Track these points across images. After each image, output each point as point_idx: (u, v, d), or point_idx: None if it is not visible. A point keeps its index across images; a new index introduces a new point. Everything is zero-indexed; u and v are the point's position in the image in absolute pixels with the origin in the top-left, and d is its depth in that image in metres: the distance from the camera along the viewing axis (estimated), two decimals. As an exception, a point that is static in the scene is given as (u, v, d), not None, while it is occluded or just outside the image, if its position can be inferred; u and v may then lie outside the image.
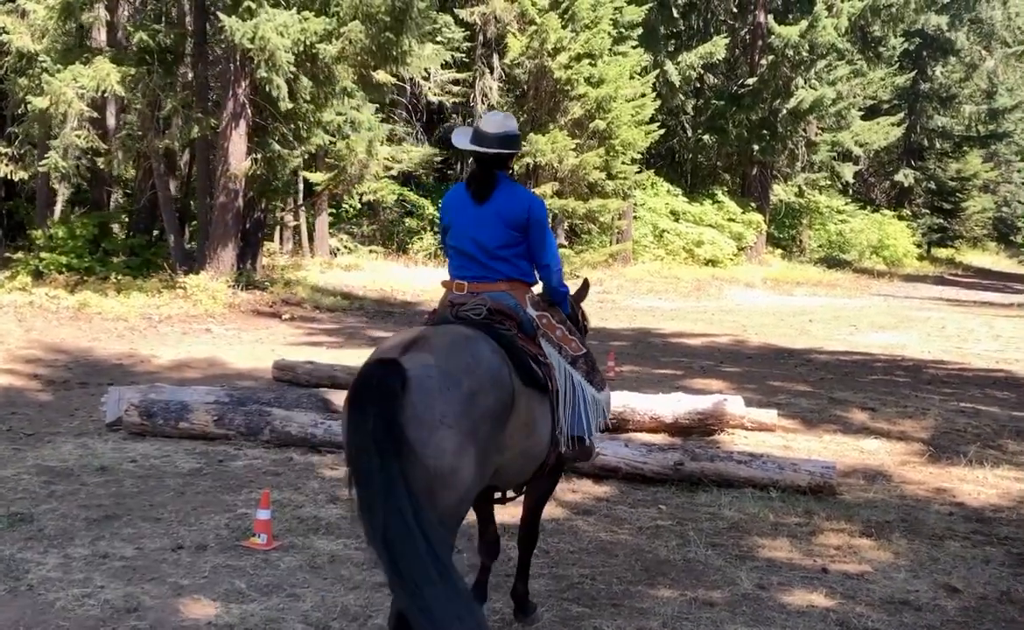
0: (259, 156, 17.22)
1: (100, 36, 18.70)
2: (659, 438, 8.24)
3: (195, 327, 14.19)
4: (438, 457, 3.31)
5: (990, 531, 6.09)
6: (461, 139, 4.26)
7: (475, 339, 3.70)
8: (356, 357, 11.63)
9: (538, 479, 4.25)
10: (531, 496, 4.41)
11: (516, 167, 23.36)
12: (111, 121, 18.45)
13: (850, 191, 41.58)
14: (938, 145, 45.10)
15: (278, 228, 24.43)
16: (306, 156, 20.16)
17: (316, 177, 20.83)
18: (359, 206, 27.05)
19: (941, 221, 46.45)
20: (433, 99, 25.85)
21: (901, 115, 38.59)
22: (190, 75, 18.07)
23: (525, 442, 3.84)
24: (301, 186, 23.21)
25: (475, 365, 3.55)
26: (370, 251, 25.34)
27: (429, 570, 3.08)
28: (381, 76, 19.19)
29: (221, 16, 15.32)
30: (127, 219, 21.19)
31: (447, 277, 4.32)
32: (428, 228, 26.80)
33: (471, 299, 4.09)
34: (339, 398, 8.30)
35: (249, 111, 16.93)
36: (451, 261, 4.28)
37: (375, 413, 3.22)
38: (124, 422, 7.69)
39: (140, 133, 17.44)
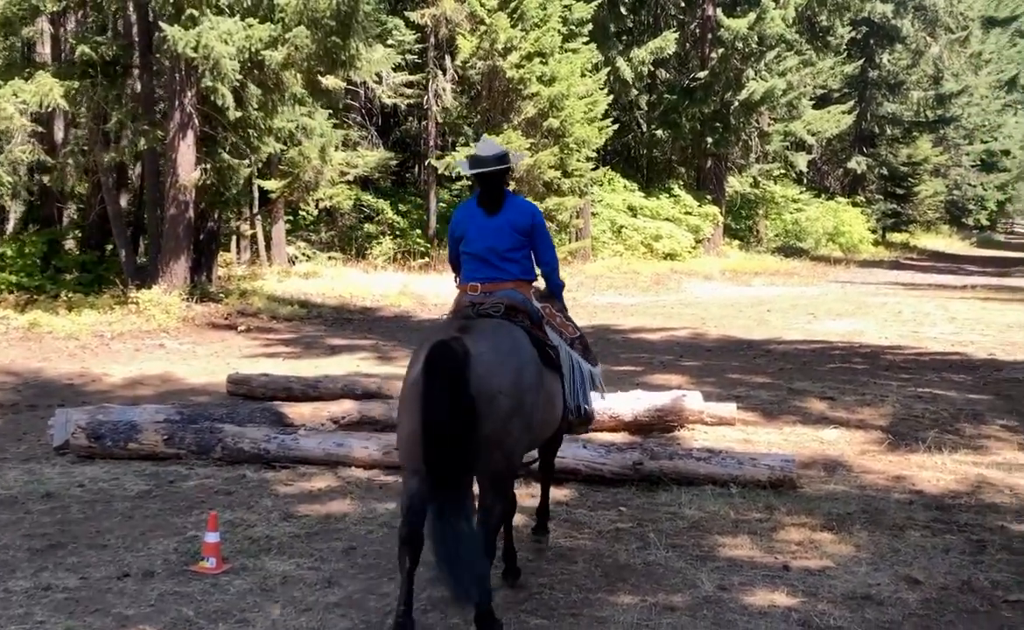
0: (209, 166, 16.95)
1: (45, 50, 18.33)
2: (619, 437, 8.18)
3: (148, 343, 13.93)
4: (496, 420, 4.12)
5: (949, 519, 6.08)
6: (466, 167, 5.09)
7: (510, 328, 4.53)
8: (314, 367, 11.50)
9: (550, 442, 5.33)
10: (545, 456, 5.52)
11: (462, 170, 23.25)
12: (59, 135, 18.08)
13: (804, 180, 41.92)
14: (888, 131, 45.61)
15: (234, 238, 24.13)
16: (259, 164, 19.91)
17: (270, 185, 20.58)
18: (316, 213, 26.80)
19: (894, 206, 46.98)
20: (387, 102, 25.66)
21: (851, 103, 38.97)
22: (137, 87, 17.77)
23: (547, 411, 4.67)
24: (256, 194, 22.94)
25: (517, 348, 4.40)
26: (329, 257, 25.10)
27: (464, 505, 3.99)
28: (331, 81, 18.97)
29: (163, 25, 15.04)
30: (80, 235, 20.81)
31: (456, 281, 5.11)
32: (387, 232, 26.62)
33: (488, 298, 4.78)
34: (293, 411, 8.17)
35: (197, 121, 16.67)
36: (465, 266, 4.98)
37: (448, 382, 3.97)
38: (72, 445, 7.48)
39: (87, 147, 17.12)
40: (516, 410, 4.21)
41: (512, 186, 23.02)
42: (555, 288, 5.39)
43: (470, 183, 26.65)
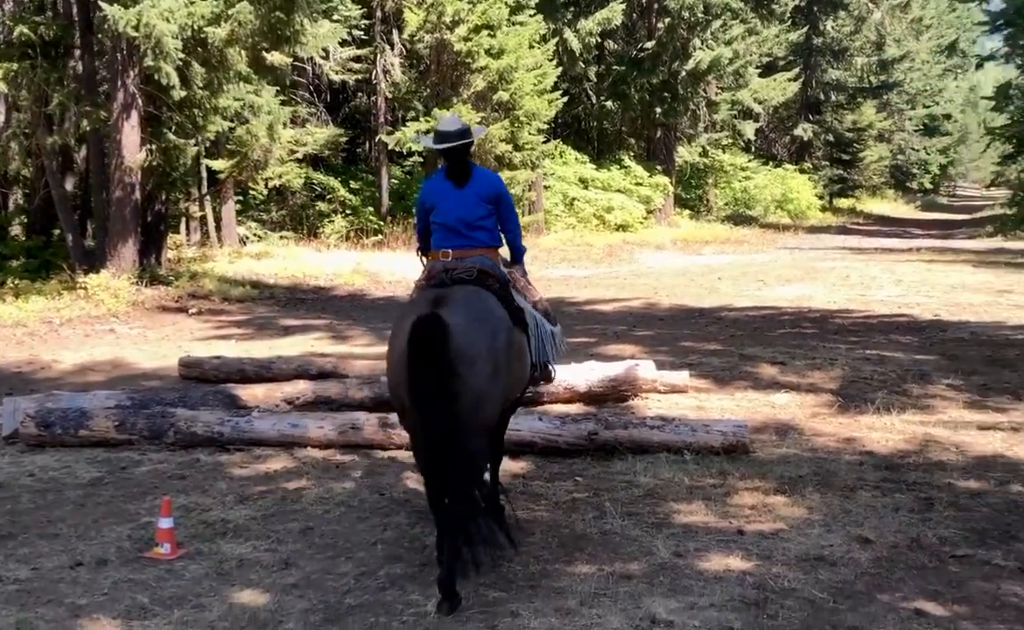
0: (155, 147, 16.67)
1: (-18, 32, 17.89)
2: (574, 408, 8.23)
3: (98, 328, 13.71)
4: (479, 382, 4.47)
5: (899, 478, 6.20)
6: (428, 141, 5.41)
7: (482, 294, 4.85)
8: (267, 348, 11.40)
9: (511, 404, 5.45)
10: (507, 414, 5.58)
11: (420, 147, 23.16)
12: (0, 119, 17.67)
13: (752, 148, 42.26)
14: (833, 98, 46.13)
15: (183, 219, 23.77)
16: (206, 144, 19.60)
17: (219, 165, 20.30)
18: (266, 192, 26.46)
19: (841, 172, 47.61)
20: (335, 78, 25.38)
21: (797, 70, 39.29)
22: (79, 68, 17.39)
23: (518, 368, 4.99)
24: (204, 175, 22.61)
25: (488, 313, 4.74)
26: (280, 237, 24.86)
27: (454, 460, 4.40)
28: (277, 58, 18.70)
29: (103, 4, 14.72)
30: (25, 220, 20.38)
31: (428, 250, 5.36)
32: (339, 210, 26.40)
33: (460, 264, 5.06)
34: (246, 393, 8.10)
35: (141, 101, 16.36)
36: (436, 235, 5.26)
37: (431, 355, 4.31)
38: (21, 434, 7.35)
39: (29, 130, 16.74)
40: (494, 371, 4.59)
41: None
42: (518, 254, 5.66)
43: (423, 159, 26.52)
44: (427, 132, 5.13)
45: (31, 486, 6.32)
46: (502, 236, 5.44)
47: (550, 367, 5.54)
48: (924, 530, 5.26)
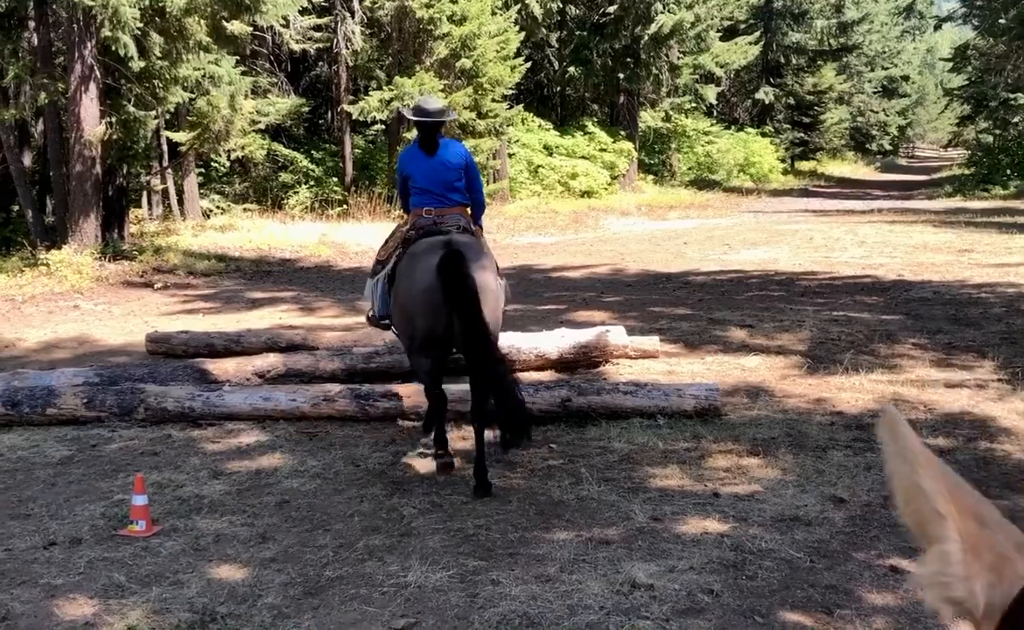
0: (114, 119, 16.40)
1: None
2: (546, 376, 8.24)
3: (62, 305, 13.50)
4: (494, 287, 5.74)
5: (870, 437, 6.27)
6: (409, 114, 6.36)
7: (478, 244, 5.99)
8: (235, 322, 11.31)
9: None
10: None
11: (388, 113, 22.96)
12: (-47, 94, 17.30)
13: (714, 113, 42.35)
14: (794, 61, 46.30)
15: (145, 193, 23.44)
16: (166, 116, 19.32)
17: (179, 136, 19.97)
18: (228, 164, 26.15)
19: (802, 135, 47.89)
20: (295, 47, 25.05)
21: (758, 34, 39.35)
22: (34, 40, 17.03)
23: (503, 302, 6.00)
24: (165, 147, 22.28)
25: (484, 245, 6.10)
26: (244, 209, 24.58)
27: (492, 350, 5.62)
28: (237, 27, 18.42)
29: (57, -26, 14.43)
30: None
31: (409, 209, 6.29)
32: (303, 182, 26.15)
33: (440, 219, 6.01)
34: (217, 367, 8.03)
35: (99, 73, 16.07)
36: (414, 197, 6.17)
37: (460, 271, 5.42)
38: (-14, 414, 7.25)
39: (-18, 104, 16.41)
40: (499, 278, 5.92)
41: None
42: (480, 213, 6.54)
43: (385, 127, 26.29)
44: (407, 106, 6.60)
45: (0, 467, 6.23)
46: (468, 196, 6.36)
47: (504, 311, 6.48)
48: (896, 488, 5.32)
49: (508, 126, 26.90)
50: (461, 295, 5.41)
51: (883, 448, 0.80)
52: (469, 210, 6.34)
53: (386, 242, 6.58)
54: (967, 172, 38.42)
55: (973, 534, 0.77)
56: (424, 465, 6.01)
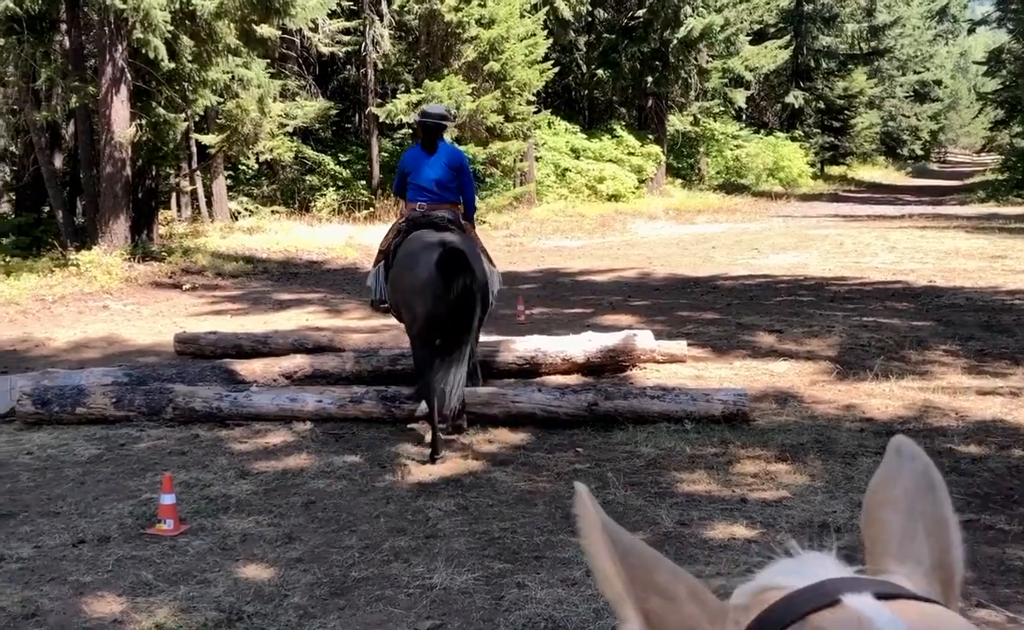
0: (144, 121, 16.53)
1: (-35, 7, 17.67)
2: (572, 379, 8.21)
3: (92, 305, 13.63)
4: (487, 274, 6.48)
5: (899, 444, 6.19)
6: (417, 117, 7.15)
7: (469, 240, 6.58)
8: (262, 323, 11.36)
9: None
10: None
11: (411, 119, 22.99)
12: (-13, 96, 17.55)
13: (743, 116, 42.11)
14: (824, 65, 45.91)
15: (174, 195, 23.62)
16: (195, 118, 19.45)
17: (209, 139, 20.11)
18: (257, 166, 26.30)
19: (832, 139, 47.47)
20: (324, 51, 25.17)
21: (788, 38, 39.08)
22: (66, 42, 17.21)
23: (491, 293, 6.73)
24: (194, 149, 22.44)
25: (475, 239, 6.89)
26: (272, 211, 24.70)
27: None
28: (266, 30, 18.54)
29: (89, -23, 14.57)
30: (15, 197, 20.23)
31: (405, 203, 7.02)
32: (330, 184, 26.25)
33: (431, 213, 6.67)
34: (244, 368, 8.07)
35: (129, 75, 16.21)
36: (410, 192, 6.88)
37: (461, 266, 5.96)
38: (18, 412, 7.30)
39: (17, 107, 16.59)
40: (486, 293, 6.43)
41: (455, 133, 22.82)
42: (471, 211, 7.20)
43: (412, 130, 26.34)
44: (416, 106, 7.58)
45: (30, 464, 6.29)
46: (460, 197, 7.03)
47: (492, 301, 6.94)
48: (927, 495, 5.25)
49: (535, 129, 26.88)
50: (458, 293, 5.97)
51: (579, 528, 0.77)
52: (460, 208, 6.98)
53: (386, 234, 7.26)
54: (1000, 177, 37.97)
55: (657, 612, 0.74)
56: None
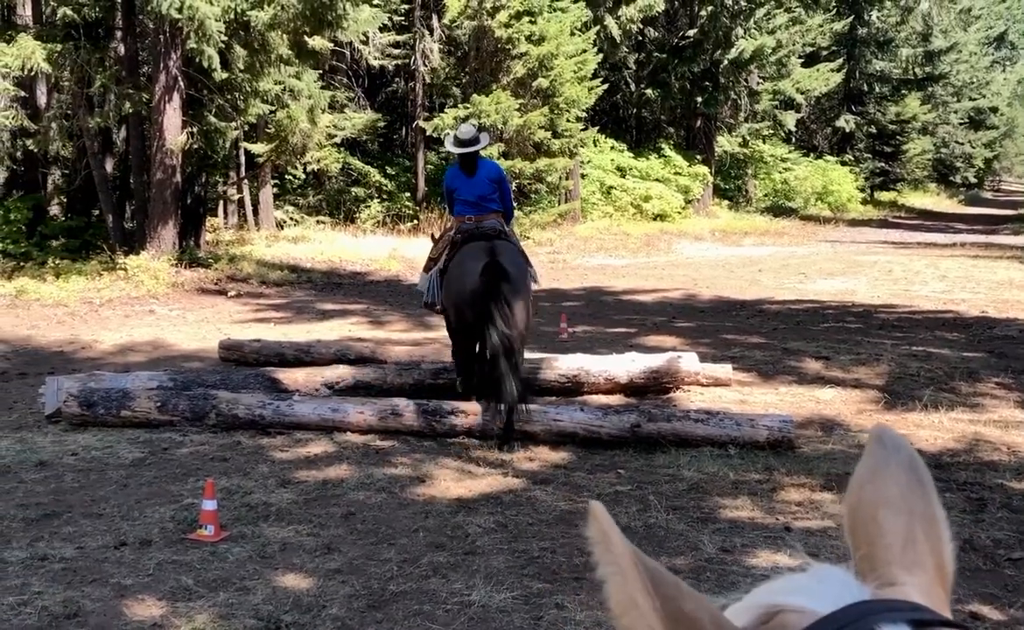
0: (195, 129, 16.76)
1: (26, 12, 18.03)
2: (615, 400, 8.16)
3: (138, 309, 13.82)
4: (528, 292, 7.22)
5: (948, 477, 6.07)
6: (451, 145, 7.85)
7: (515, 251, 7.40)
8: (305, 332, 11.43)
9: None
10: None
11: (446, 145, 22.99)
12: (42, 100, 17.85)
13: (793, 139, 41.76)
14: (877, 89, 45.41)
15: (221, 202, 23.91)
16: (245, 127, 19.68)
17: (258, 148, 20.34)
18: (304, 176, 26.55)
19: (883, 165, 46.87)
20: (374, 63, 25.37)
21: (840, 61, 38.74)
22: (121, 49, 17.50)
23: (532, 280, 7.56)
24: (243, 158, 22.70)
25: (522, 266, 7.33)
26: (317, 222, 24.90)
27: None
28: (318, 42, 18.73)
29: (146, -14, 14.80)
30: (65, 201, 20.58)
31: (452, 218, 7.94)
32: (376, 196, 26.41)
33: (480, 225, 7.42)
34: (287, 377, 8.11)
35: (182, 84, 16.45)
36: (458, 207, 7.67)
37: (503, 282, 6.85)
38: (64, 413, 7.40)
39: (71, 111, 16.89)
40: (527, 301, 7.14)
41: (501, 148, 22.87)
42: (510, 217, 8.02)
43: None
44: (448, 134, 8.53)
45: (74, 465, 6.35)
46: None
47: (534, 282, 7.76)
48: (977, 532, 5.14)
49: (582, 146, 26.86)
50: (494, 296, 6.80)
51: (593, 552, 0.71)
52: (503, 216, 7.77)
53: (436, 244, 8.09)
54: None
55: None
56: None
